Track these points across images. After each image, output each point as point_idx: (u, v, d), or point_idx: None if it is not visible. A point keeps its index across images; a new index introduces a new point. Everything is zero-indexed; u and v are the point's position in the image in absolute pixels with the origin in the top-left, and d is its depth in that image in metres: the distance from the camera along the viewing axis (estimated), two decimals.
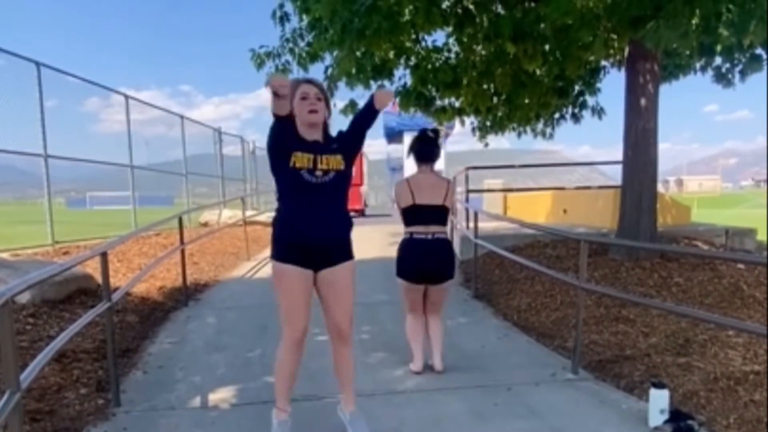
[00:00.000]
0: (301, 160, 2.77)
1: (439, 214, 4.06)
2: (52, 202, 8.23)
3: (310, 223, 2.81)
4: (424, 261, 4.05)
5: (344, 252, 2.97)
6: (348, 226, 2.98)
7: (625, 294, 5.06)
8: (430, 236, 4.03)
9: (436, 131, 4.33)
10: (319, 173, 2.78)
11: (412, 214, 4.06)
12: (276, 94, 2.54)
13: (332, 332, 3.02)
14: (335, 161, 2.84)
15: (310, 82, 2.94)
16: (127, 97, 10.87)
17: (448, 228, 4.18)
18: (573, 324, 4.53)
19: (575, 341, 4.23)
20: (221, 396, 3.84)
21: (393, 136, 26.70)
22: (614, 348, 4.59)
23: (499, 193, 14.24)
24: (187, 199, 13.70)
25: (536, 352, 4.83)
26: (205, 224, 12.75)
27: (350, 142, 2.97)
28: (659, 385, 3.30)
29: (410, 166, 4.36)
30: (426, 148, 4.15)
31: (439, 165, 4.37)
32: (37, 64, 7.84)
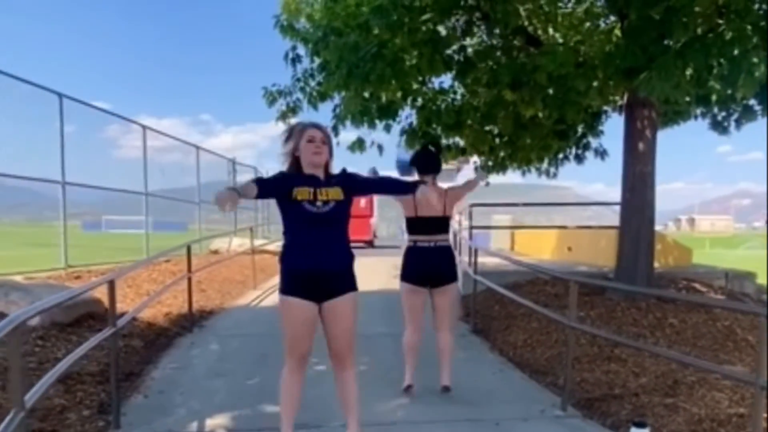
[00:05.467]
0: (302, 193, 3.00)
1: (440, 223, 4.37)
2: (67, 225, 8.46)
3: (312, 253, 3.00)
4: (425, 263, 4.32)
5: (347, 282, 3.15)
6: (349, 256, 3.16)
7: (614, 335, 5.13)
8: (432, 244, 4.33)
9: (437, 145, 4.61)
10: (319, 203, 3.00)
11: (415, 225, 4.37)
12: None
13: (333, 359, 3.21)
14: (334, 192, 3.06)
15: (316, 126, 3.18)
16: (144, 127, 11.24)
17: (450, 235, 4.46)
18: (566, 362, 4.63)
19: (565, 379, 4.34)
20: (218, 422, 3.97)
21: (404, 168, 26.90)
22: (604, 386, 4.67)
23: (507, 229, 14.35)
24: (199, 226, 13.98)
25: (528, 388, 4.92)
26: (216, 252, 12.95)
27: (355, 188, 3.21)
28: (640, 425, 3.37)
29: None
30: (428, 160, 4.50)
31: None
32: (60, 95, 8.18)
